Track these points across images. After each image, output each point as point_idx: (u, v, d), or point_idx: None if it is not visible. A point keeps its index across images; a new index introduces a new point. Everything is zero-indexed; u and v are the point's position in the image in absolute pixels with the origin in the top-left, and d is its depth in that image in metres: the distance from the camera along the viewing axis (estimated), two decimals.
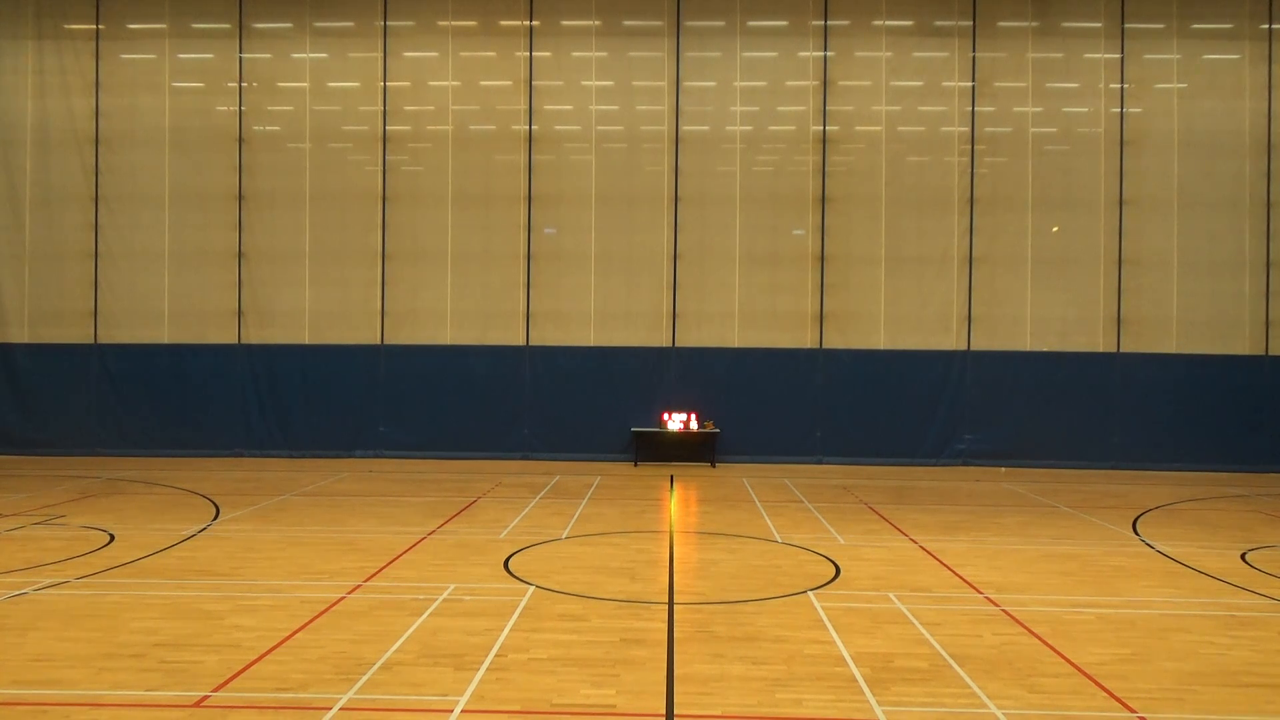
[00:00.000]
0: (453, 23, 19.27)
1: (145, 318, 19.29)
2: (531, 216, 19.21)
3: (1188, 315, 18.88)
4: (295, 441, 19.15)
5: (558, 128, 19.32)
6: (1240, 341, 18.90)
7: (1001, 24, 19.06)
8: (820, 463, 18.87)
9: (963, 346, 19.04)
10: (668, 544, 11.09)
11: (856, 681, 6.36)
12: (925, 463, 18.83)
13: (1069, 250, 19.03)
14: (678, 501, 14.51)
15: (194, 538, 11.02)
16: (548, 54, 19.30)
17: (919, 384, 18.95)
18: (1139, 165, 18.93)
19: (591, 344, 19.19)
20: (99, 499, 13.80)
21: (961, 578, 9.45)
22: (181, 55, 19.40)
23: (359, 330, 19.29)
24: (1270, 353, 18.87)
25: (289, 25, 19.34)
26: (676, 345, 19.17)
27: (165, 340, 19.27)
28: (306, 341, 19.28)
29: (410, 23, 19.29)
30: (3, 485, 15.06)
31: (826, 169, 19.05)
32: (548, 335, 19.22)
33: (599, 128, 19.24)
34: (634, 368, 19.11)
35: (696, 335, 19.18)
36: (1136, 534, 12.07)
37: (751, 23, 19.15)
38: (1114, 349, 18.94)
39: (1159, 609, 8.42)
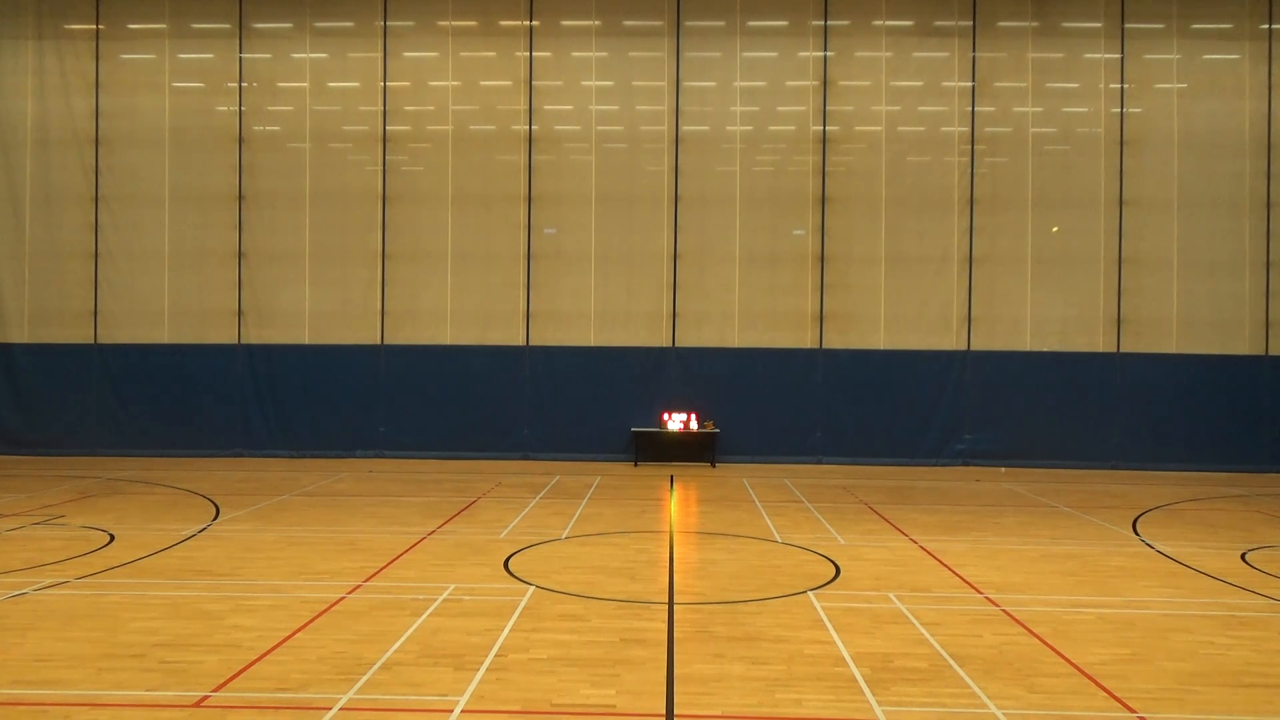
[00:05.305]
0: (453, 23, 19.27)
1: (145, 318, 19.29)
2: (531, 216, 19.21)
3: (1188, 315, 18.88)
4: (295, 441, 19.15)
5: (558, 128, 19.32)
6: (1240, 341, 18.89)
7: (1001, 24, 19.06)
8: (820, 463, 18.87)
9: (963, 346, 19.04)
10: (668, 544, 11.08)
11: (856, 681, 6.36)
12: (925, 463, 18.83)
13: (1069, 250, 19.03)
14: (678, 501, 14.51)
15: (194, 538, 11.02)
16: (548, 54, 19.30)
17: (919, 384, 18.95)
18: (1139, 165, 18.94)
19: (591, 344, 19.19)
20: (99, 499, 13.79)
21: (961, 578, 9.45)
22: (181, 55, 19.40)
23: (359, 330, 19.29)
24: (1270, 353, 18.87)
25: (289, 25, 19.34)
26: (676, 345, 19.17)
27: (165, 340, 19.26)
28: (306, 341, 19.28)
29: (410, 23, 19.29)
30: (3, 485, 15.06)
31: (826, 169, 19.05)
32: (548, 335, 19.21)
33: (599, 128, 19.24)
34: (634, 368, 19.11)
35: (696, 335, 19.18)
36: (1136, 534, 12.07)
37: (751, 23, 19.15)
38: (1114, 349, 18.94)
39: (1159, 609, 8.42)
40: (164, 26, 19.32)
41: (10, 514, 12.42)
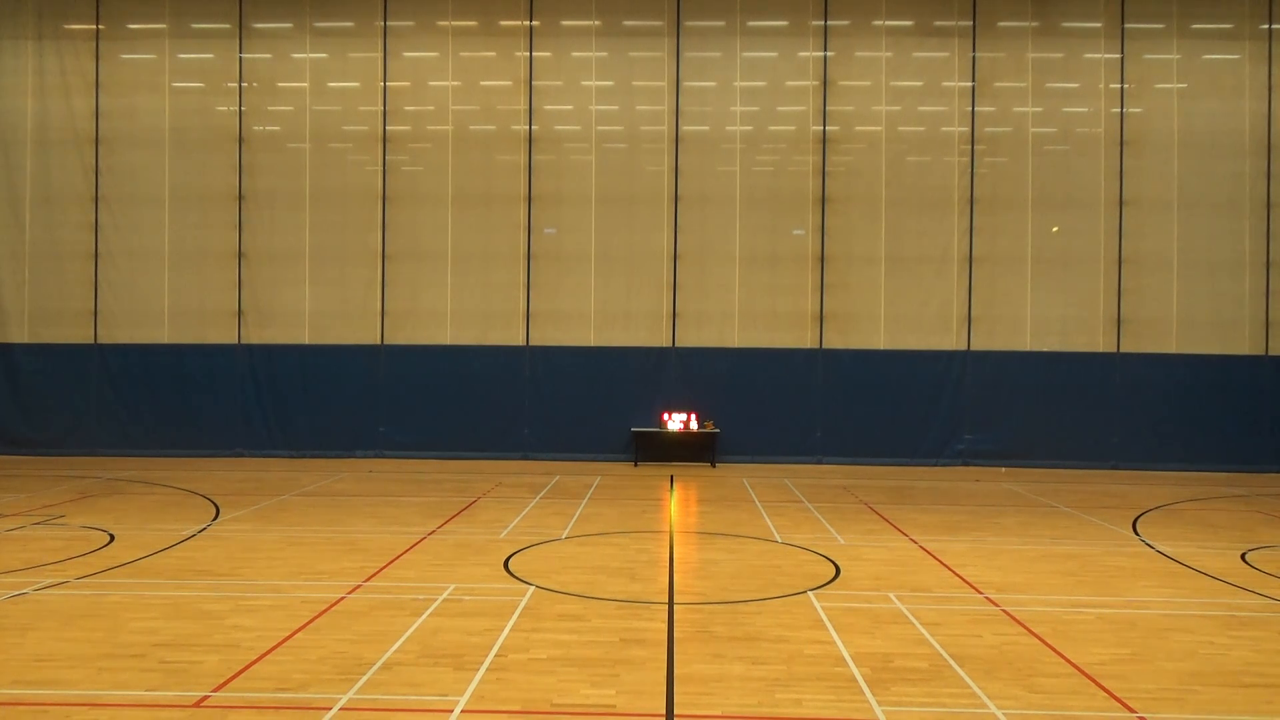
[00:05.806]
0: (453, 23, 19.27)
1: (145, 318, 19.29)
2: (531, 216, 19.21)
3: (1188, 315, 18.88)
4: (295, 441, 19.14)
5: (558, 128, 19.32)
6: (1240, 341, 18.89)
7: (1001, 24, 19.06)
8: (820, 463, 18.87)
9: (963, 346, 19.03)
10: (668, 544, 11.08)
11: (856, 681, 6.36)
12: (925, 463, 18.82)
13: (1069, 250, 19.03)
14: (678, 501, 14.51)
15: (194, 538, 11.02)
16: (548, 54, 19.30)
17: (919, 384, 18.95)
18: (1139, 165, 18.93)
19: (591, 344, 19.18)
20: (99, 499, 13.79)
21: (961, 578, 9.45)
22: (181, 55, 19.40)
23: (359, 330, 19.29)
24: (1270, 353, 18.87)
25: (289, 25, 19.34)
26: (676, 345, 19.17)
27: (165, 340, 19.26)
28: (306, 341, 19.28)
29: (410, 23, 19.29)
30: (3, 485, 15.06)
31: (826, 169, 19.05)
32: (548, 335, 19.21)
33: (599, 128, 19.24)
34: (634, 368, 19.11)
35: (696, 335, 19.18)
36: (1136, 534, 12.07)
37: (751, 23, 19.15)
38: (1114, 349, 18.94)
39: (1159, 609, 8.42)
40: (164, 26, 19.32)
41: (10, 514, 12.42)
